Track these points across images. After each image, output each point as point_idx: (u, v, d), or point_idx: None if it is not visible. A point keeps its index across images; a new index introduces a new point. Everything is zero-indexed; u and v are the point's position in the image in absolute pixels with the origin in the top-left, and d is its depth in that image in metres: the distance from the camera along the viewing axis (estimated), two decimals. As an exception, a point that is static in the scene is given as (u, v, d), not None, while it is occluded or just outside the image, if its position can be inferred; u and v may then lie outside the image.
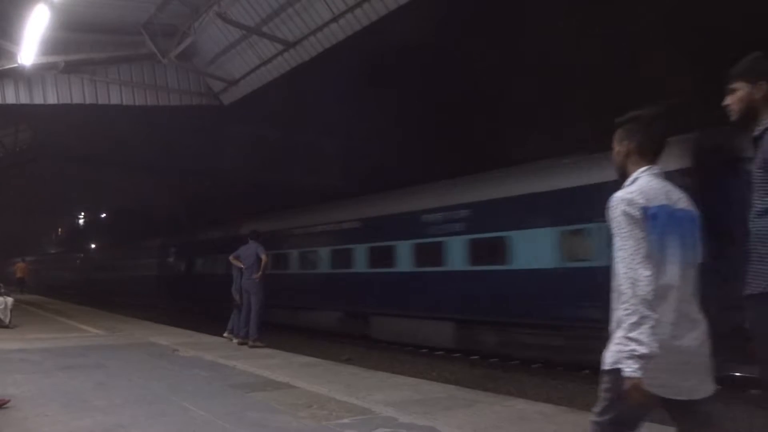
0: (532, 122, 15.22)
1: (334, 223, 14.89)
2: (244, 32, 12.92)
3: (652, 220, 2.09)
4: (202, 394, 5.32)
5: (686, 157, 7.44)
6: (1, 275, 30.65)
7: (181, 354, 8.12)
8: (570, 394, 7.49)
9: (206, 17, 12.42)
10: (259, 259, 9.41)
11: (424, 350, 11.68)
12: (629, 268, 2.03)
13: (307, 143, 20.80)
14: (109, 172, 25.81)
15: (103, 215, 47.83)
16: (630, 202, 2.11)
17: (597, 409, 2.19)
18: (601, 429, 2.16)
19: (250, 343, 9.21)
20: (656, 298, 2.01)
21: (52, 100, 13.04)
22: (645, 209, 2.10)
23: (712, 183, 7.14)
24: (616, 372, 2.02)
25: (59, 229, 60.01)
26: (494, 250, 10.35)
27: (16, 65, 11.52)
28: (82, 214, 51.29)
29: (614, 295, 2.11)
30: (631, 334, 1.96)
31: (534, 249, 9.67)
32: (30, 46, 10.65)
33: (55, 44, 11.74)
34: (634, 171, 2.28)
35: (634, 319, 1.97)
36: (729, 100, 2.42)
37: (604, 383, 2.14)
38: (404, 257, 12.29)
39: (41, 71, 12.54)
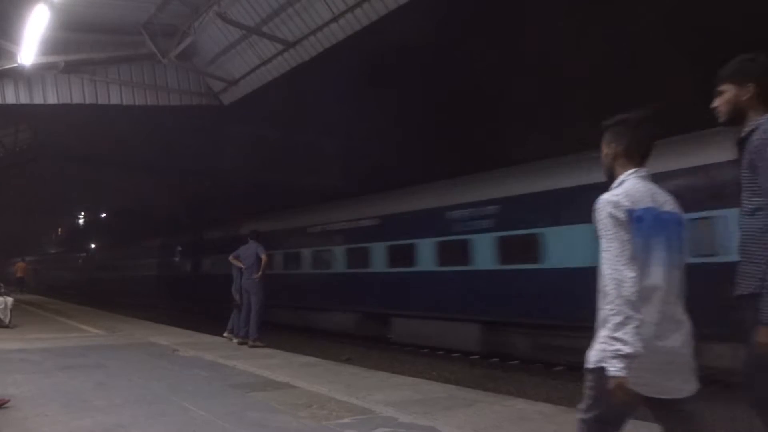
0: (532, 122, 15.22)
1: (351, 220, 14.28)
2: (244, 32, 12.92)
3: (638, 222, 2.13)
4: (202, 394, 5.32)
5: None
6: (1, 275, 30.62)
7: (181, 354, 8.13)
8: (570, 394, 7.48)
9: (206, 17, 12.42)
10: (259, 259, 9.42)
11: (424, 350, 11.67)
12: (614, 270, 2.07)
13: (307, 143, 20.79)
14: (109, 172, 25.80)
15: (103, 215, 47.84)
16: (616, 205, 2.15)
17: (582, 406, 2.23)
18: (586, 426, 2.20)
19: (250, 342, 9.22)
20: (641, 299, 2.04)
21: (52, 100, 13.04)
22: (630, 212, 2.14)
23: None
24: (600, 370, 2.05)
25: (59, 229, 60.03)
26: (527, 248, 9.83)
27: (16, 65, 11.52)
28: (82, 214, 51.31)
29: (600, 296, 2.15)
30: (616, 334, 2.00)
31: (571, 246, 9.06)
32: (30, 46, 10.65)
33: (55, 44, 11.74)
34: (622, 173, 2.31)
35: (618, 319, 2.01)
36: (717, 102, 2.49)
37: (589, 381, 2.18)
38: (428, 255, 11.77)
39: (41, 71, 12.54)
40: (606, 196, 2.20)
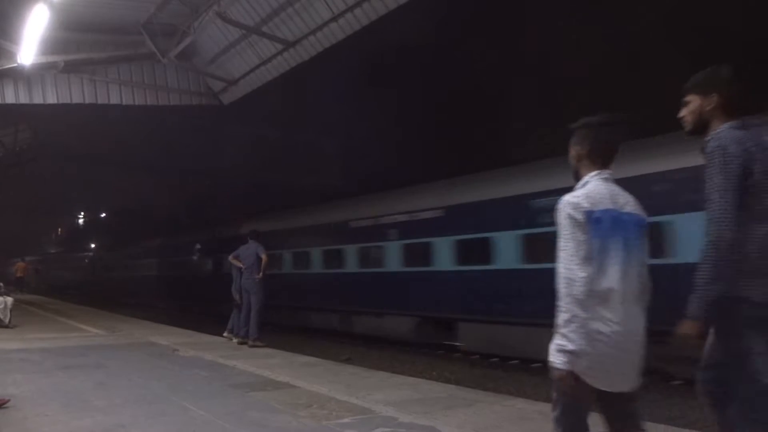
0: (532, 122, 15.22)
1: (408, 212, 12.43)
2: (244, 32, 12.92)
3: (596, 223, 2.20)
4: (202, 393, 5.32)
5: None
6: (1, 275, 30.63)
7: (181, 354, 8.13)
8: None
9: (206, 17, 12.41)
10: (259, 259, 9.42)
11: (424, 350, 11.65)
12: (567, 269, 2.16)
13: (307, 143, 20.80)
14: (109, 172, 25.78)
15: (103, 215, 47.83)
16: (575, 206, 2.23)
17: (552, 406, 2.34)
18: (556, 425, 2.30)
19: (250, 342, 9.22)
20: (593, 298, 2.14)
21: (51, 99, 13.03)
22: (589, 213, 2.21)
23: None
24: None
25: (59, 229, 60.05)
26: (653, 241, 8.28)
27: (15, 65, 11.51)
28: (82, 213, 51.33)
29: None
30: (562, 331, 2.14)
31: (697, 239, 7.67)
32: (29, 46, 10.64)
33: (54, 44, 11.72)
34: (586, 174, 2.39)
35: (566, 316, 2.13)
36: (683, 112, 2.61)
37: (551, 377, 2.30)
38: (506, 251, 10.16)
39: (41, 71, 12.53)
40: (567, 198, 2.28)
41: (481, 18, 14.87)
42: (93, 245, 43.25)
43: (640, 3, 12.95)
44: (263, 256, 9.42)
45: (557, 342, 2.16)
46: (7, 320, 11.50)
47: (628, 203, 2.32)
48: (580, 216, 2.20)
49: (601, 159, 2.38)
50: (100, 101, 13.66)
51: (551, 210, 2.33)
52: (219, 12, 11.67)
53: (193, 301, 21.66)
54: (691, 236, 7.00)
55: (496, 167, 11.42)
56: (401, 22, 11.28)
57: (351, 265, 14.03)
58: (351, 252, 14.02)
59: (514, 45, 14.73)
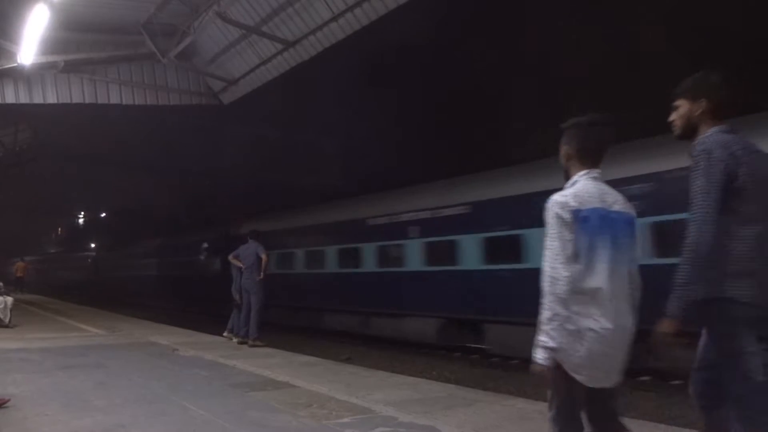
0: (532, 122, 15.22)
1: (431, 209, 11.80)
2: (244, 32, 12.93)
3: (583, 222, 2.22)
4: (202, 393, 5.32)
5: None
6: (1, 275, 30.63)
7: (181, 353, 8.13)
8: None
9: (206, 17, 12.42)
10: (259, 259, 9.42)
11: (424, 350, 11.64)
12: (551, 268, 2.21)
13: (307, 143, 20.80)
14: (109, 172, 25.80)
15: (103, 215, 47.83)
16: (563, 205, 2.25)
17: (548, 405, 2.37)
18: (553, 424, 2.33)
19: (250, 342, 9.21)
20: (582, 295, 2.17)
21: (51, 99, 13.04)
22: (576, 212, 2.23)
23: None
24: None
25: (59, 229, 60.05)
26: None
27: (15, 65, 11.52)
28: (82, 213, 51.32)
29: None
30: (545, 328, 2.18)
31: None
32: (29, 46, 10.64)
33: (54, 44, 11.73)
34: (575, 173, 2.42)
35: (548, 315, 2.17)
36: (672, 117, 2.65)
37: None
38: (539, 249, 9.60)
39: (41, 71, 12.55)
40: (555, 197, 2.30)
41: (481, 18, 14.87)
42: (93, 245, 43.21)
43: (640, 3, 12.96)
44: (263, 256, 9.42)
45: (539, 338, 2.19)
46: (7, 320, 11.50)
47: (616, 202, 2.35)
48: (567, 215, 2.22)
49: (590, 158, 2.41)
50: (100, 101, 13.67)
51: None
52: (219, 12, 11.67)
53: (207, 301, 20.33)
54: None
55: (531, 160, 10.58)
56: (401, 22, 11.28)
57: (369, 264, 13.31)
58: (368, 251, 13.32)
59: (514, 45, 14.73)
